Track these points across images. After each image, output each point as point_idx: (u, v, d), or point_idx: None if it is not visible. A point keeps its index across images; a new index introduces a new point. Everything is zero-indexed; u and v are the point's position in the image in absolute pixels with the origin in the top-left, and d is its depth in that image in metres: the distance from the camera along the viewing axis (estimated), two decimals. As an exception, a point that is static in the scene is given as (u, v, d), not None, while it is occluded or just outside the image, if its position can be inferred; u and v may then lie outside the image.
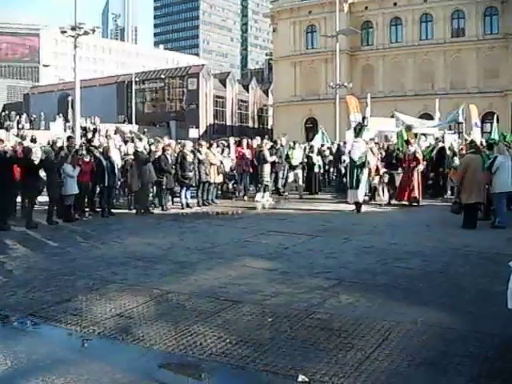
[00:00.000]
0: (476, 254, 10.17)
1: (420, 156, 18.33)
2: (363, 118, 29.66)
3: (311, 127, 60.11)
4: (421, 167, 18.09)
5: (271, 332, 6.02)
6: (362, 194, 16.83)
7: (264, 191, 19.60)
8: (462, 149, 19.77)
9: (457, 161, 18.75)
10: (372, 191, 19.79)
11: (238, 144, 21.27)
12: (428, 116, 41.00)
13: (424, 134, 24.18)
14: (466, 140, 21.41)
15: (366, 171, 16.90)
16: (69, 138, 18.14)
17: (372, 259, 9.73)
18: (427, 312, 6.63)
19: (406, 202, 17.90)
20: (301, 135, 52.92)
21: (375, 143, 21.63)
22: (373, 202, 18.95)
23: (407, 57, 58.49)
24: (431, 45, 57.33)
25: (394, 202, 18.44)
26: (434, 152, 20.89)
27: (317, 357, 5.33)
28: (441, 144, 21.48)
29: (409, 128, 23.53)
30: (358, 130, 17.98)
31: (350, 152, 17.57)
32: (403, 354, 5.33)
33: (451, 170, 18.87)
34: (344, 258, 9.87)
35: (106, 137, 30.06)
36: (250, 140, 21.83)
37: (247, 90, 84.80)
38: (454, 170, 17.63)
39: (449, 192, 19.91)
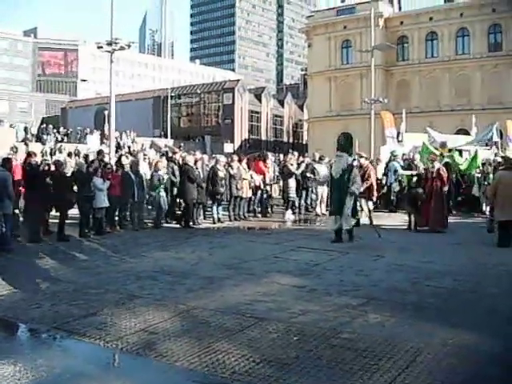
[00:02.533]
0: (510, 274, 9.90)
1: (445, 174, 16.01)
2: (398, 134, 29.53)
3: (344, 141, 59.82)
4: (445, 188, 15.99)
5: (296, 351, 5.89)
6: (349, 219, 13.73)
7: (291, 207, 19.43)
8: (498, 164, 19.39)
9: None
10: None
11: (263, 160, 20.96)
12: (464, 131, 40.39)
13: (460, 150, 23.74)
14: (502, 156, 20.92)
15: (351, 194, 13.80)
16: (99, 152, 18.26)
17: (403, 277, 9.53)
18: (458, 333, 6.43)
19: (428, 228, 15.53)
20: (335, 150, 52.70)
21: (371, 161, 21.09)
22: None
23: (443, 72, 57.89)
24: (468, 59, 56.66)
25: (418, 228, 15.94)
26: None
27: (342, 378, 5.19)
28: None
29: (443, 145, 23.21)
30: (343, 142, 15.80)
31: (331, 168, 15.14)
32: (431, 377, 5.16)
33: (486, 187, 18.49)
34: (374, 276, 9.69)
35: (142, 151, 30.26)
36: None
37: (282, 105, 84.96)
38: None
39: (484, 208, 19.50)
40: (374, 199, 18.44)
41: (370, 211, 15.99)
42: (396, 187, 19.71)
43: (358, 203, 14.44)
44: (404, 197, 17.68)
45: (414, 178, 16.48)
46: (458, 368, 5.39)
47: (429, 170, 16.08)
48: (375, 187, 17.90)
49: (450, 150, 22.91)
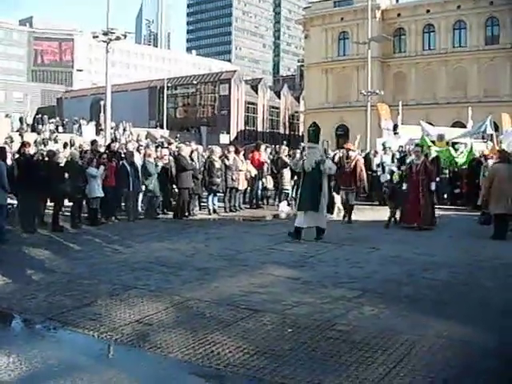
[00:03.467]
0: (505, 267, 9.89)
1: (431, 169, 15.12)
2: (394, 126, 29.50)
3: (342, 134, 59.84)
4: (433, 185, 14.76)
5: (291, 343, 5.87)
6: (323, 216, 12.97)
7: (286, 199, 19.40)
8: (491, 157, 19.36)
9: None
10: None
11: (257, 149, 20.85)
12: (461, 124, 40.39)
13: (455, 143, 23.70)
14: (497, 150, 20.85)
15: (325, 186, 12.94)
16: (93, 142, 18.23)
17: (398, 269, 9.52)
18: (452, 326, 6.43)
19: (415, 226, 14.49)
20: (332, 142, 52.62)
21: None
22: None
23: (440, 64, 57.85)
24: (464, 52, 56.63)
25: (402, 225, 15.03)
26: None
27: (336, 370, 5.17)
28: (435, 153, 20.23)
29: (440, 138, 23.17)
30: (312, 132, 13.40)
31: (302, 161, 13.47)
32: (426, 369, 5.14)
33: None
34: (369, 268, 9.67)
35: (137, 141, 30.19)
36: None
37: (279, 97, 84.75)
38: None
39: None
40: (362, 190, 17.96)
41: (351, 205, 16.05)
42: (384, 178, 19.33)
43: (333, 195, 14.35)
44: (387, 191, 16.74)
45: (395, 175, 16.08)
46: (453, 361, 5.38)
47: (413, 164, 14.98)
48: (364, 180, 16.84)
49: (447, 144, 22.89)
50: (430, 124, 30.51)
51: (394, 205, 15.32)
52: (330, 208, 13.64)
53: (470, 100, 50.16)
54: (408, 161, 16.31)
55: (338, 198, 16.50)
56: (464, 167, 21.09)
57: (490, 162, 19.32)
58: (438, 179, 18.99)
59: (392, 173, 17.33)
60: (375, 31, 49.83)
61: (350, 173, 16.10)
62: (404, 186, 15.10)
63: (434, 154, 19.70)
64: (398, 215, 15.38)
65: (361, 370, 5.18)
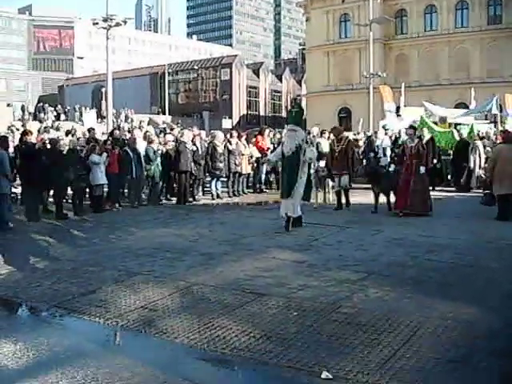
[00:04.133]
0: (510, 247, 9.88)
1: (424, 152, 14.18)
2: (397, 108, 29.45)
3: (345, 117, 59.71)
4: (422, 169, 13.68)
5: (296, 326, 5.88)
6: (297, 205, 12.00)
7: None
8: (496, 138, 19.31)
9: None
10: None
11: (261, 134, 20.79)
12: (464, 105, 40.25)
13: (457, 124, 23.63)
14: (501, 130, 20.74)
15: (305, 172, 12.04)
16: (89, 129, 18.25)
17: (402, 252, 9.51)
18: (458, 307, 6.42)
19: (409, 212, 13.50)
20: (334, 125, 52.54)
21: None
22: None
23: (442, 45, 57.51)
24: (467, 33, 56.25)
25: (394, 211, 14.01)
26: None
27: (342, 353, 5.18)
28: (429, 135, 19.61)
29: (443, 120, 23.09)
30: (294, 114, 12.28)
31: (281, 144, 12.77)
32: (431, 351, 5.14)
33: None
34: (374, 250, 9.66)
35: (140, 128, 30.16)
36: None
37: (280, 80, 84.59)
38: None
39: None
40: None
41: (347, 189, 15.21)
42: (384, 162, 19.15)
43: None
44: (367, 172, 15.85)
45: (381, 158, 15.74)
46: (459, 342, 5.38)
47: (407, 146, 14.14)
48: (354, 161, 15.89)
49: (449, 125, 22.82)
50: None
51: (380, 188, 14.30)
52: (307, 195, 12.45)
53: (472, 81, 49.94)
54: (400, 141, 15.65)
55: (331, 183, 16.10)
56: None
57: (479, 142, 19.36)
58: (435, 161, 19.25)
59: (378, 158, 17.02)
60: (377, 13, 49.56)
61: (342, 156, 15.10)
62: (391, 168, 14.51)
63: (427, 136, 19.35)
64: (388, 200, 14.40)
65: (366, 352, 5.18)
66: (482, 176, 17.70)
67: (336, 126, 16.57)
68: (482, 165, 19.11)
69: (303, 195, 12.08)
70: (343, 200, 15.18)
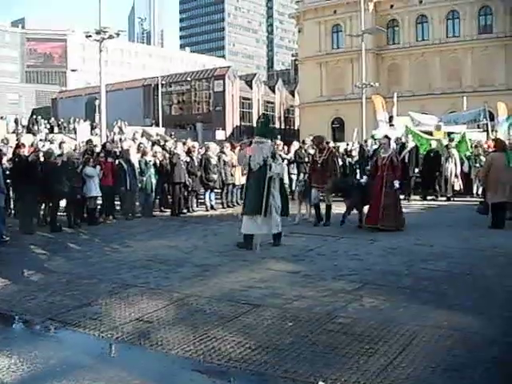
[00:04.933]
0: (504, 256, 9.89)
1: (398, 164, 13.23)
2: (390, 118, 29.52)
3: (338, 127, 59.92)
4: (396, 183, 12.74)
5: (292, 337, 5.87)
6: (276, 220, 11.03)
7: None
8: (488, 147, 19.37)
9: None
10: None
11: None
12: (456, 114, 40.38)
13: (451, 133, 23.71)
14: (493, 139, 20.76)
15: (276, 188, 11.05)
16: (88, 141, 18.25)
17: (398, 261, 9.53)
18: (453, 316, 6.43)
19: (380, 227, 12.56)
20: (328, 135, 52.67)
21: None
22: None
23: (434, 55, 57.93)
24: (458, 42, 56.71)
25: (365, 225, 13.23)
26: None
27: (338, 363, 5.17)
28: (413, 143, 19.67)
29: (438, 128, 23.13)
30: (261, 125, 11.25)
31: (249, 157, 11.46)
32: (427, 359, 5.14)
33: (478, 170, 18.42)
34: (369, 260, 9.67)
35: (133, 140, 30.14)
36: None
37: (273, 92, 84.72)
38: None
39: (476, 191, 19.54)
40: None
41: (328, 205, 13.99)
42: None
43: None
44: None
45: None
46: (454, 350, 5.37)
47: (379, 157, 13.27)
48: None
49: (444, 134, 22.87)
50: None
51: (350, 202, 13.39)
52: (285, 209, 11.44)
53: (465, 90, 50.33)
54: (370, 150, 14.32)
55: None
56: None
57: (454, 150, 19.46)
58: (416, 170, 19.34)
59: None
60: (368, 23, 49.87)
61: (323, 168, 13.73)
62: (363, 179, 13.36)
63: (411, 145, 19.45)
64: (359, 215, 13.43)
65: (362, 361, 5.18)
66: (455, 184, 17.95)
67: (317, 135, 15.18)
68: (458, 173, 19.24)
69: (282, 210, 11.21)
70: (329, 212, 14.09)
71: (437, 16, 57.76)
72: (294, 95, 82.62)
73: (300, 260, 9.86)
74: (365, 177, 13.20)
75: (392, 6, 60.15)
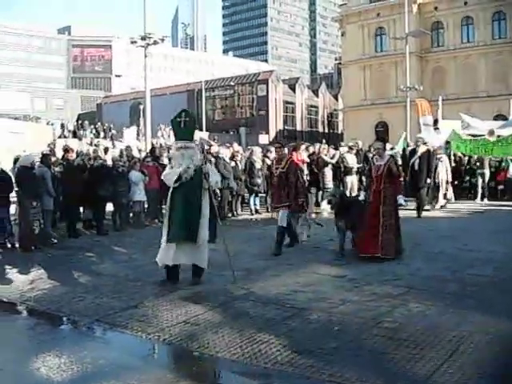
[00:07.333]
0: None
1: (398, 173, 10.97)
2: (435, 121, 29.13)
3: (382, 131, 59.40)
4: (400, 199, 10.68)
5: (337, 341, 5.87)
6: (204, 250, 8.70)
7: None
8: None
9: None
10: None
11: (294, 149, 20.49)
12: (503, 117, 39.67)
13: (498, 136, 23.27)
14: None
15: (206, 204, 8.66)
16: (127, 147, 18.68)
17: (442, 266, 9.42)
18: (500, 322, 6.34)
19: (381, 256, 9.90)
20: (371, 139, 52.23)
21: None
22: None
23: (479, 57, 56.97)
24: (504, 43, 55.63)
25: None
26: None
27: (384, 368, 5.15)
28: (424, 147, 17.22)
29: (491, 132, 22.67)
30: (184, 125, 8.92)
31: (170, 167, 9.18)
32: (474, 366, 5.09)
33: None
34: (413, 265, 9.59)
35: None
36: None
37: (317, 95, 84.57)
38: None
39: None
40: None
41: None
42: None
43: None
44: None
45: None
46: (501, 357, 5.32)
47: (373, 166, 10.56)
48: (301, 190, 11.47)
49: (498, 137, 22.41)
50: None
51: (345, 223, 10.59)
52: (213, 235, 9.81)
53: (511, 92, 49.29)
54: (384, 159, 10.46)
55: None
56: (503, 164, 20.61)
57: (444, 156, 18.84)
58: (428, 181, 16.89)
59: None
60: (412, 26, 49.27)
61: (281, 183, 11.18)
62: (361, 196, 11.28)
63: (422, 149, 17.08)
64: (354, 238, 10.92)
65: (408, 367, 5.15)
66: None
67: (277, 141, 12.57)
68: (449, 179, 18.87)
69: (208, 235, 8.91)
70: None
71: (482, 17, 56.82)
72: (337, 99, 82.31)
73: (344, 264, 9.82)
74: (363, 193, 11.14)
75: (436, 8, 59.41)
